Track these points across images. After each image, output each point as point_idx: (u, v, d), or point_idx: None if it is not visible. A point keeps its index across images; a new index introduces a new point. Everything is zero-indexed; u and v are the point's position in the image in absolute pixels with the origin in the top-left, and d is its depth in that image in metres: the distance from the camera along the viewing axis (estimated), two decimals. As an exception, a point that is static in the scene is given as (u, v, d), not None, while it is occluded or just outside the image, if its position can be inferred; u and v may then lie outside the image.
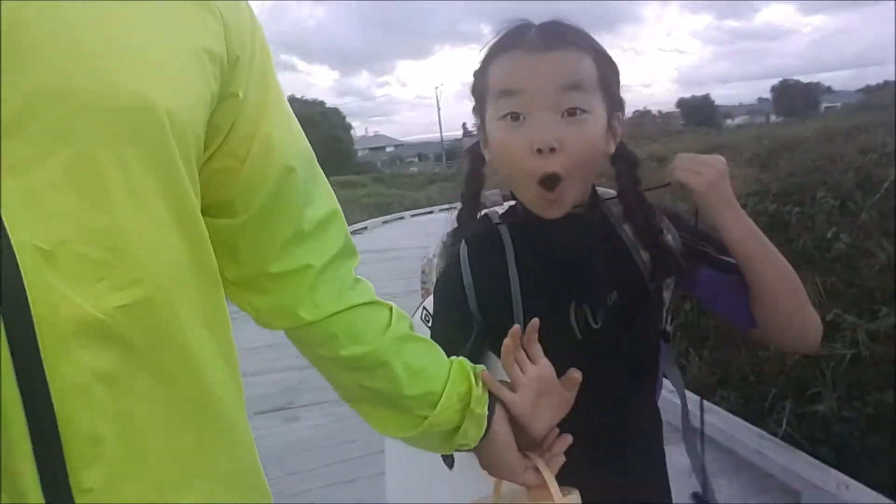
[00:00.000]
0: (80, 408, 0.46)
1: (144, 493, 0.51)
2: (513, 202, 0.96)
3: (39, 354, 0.44)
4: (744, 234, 0.83)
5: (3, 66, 0.43)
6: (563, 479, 0.80)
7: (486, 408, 0.77)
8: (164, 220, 0.51)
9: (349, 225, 0.73)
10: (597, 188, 0.94)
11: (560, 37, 0.84)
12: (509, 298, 0.89)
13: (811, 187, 4.10)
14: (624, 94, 0.90)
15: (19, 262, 0.43)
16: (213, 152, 0.59)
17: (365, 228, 13.73)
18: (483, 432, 0.77)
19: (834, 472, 2.37)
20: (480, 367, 0.80)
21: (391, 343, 0.71)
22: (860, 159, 4.39)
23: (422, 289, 1.08)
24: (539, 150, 0.80)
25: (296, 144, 0.67)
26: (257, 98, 0.62)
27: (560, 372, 0.83)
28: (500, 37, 0.88)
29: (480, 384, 0.78)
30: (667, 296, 0.92)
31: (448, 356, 0.81)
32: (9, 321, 0.42)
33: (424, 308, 1.05)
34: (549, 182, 0.82)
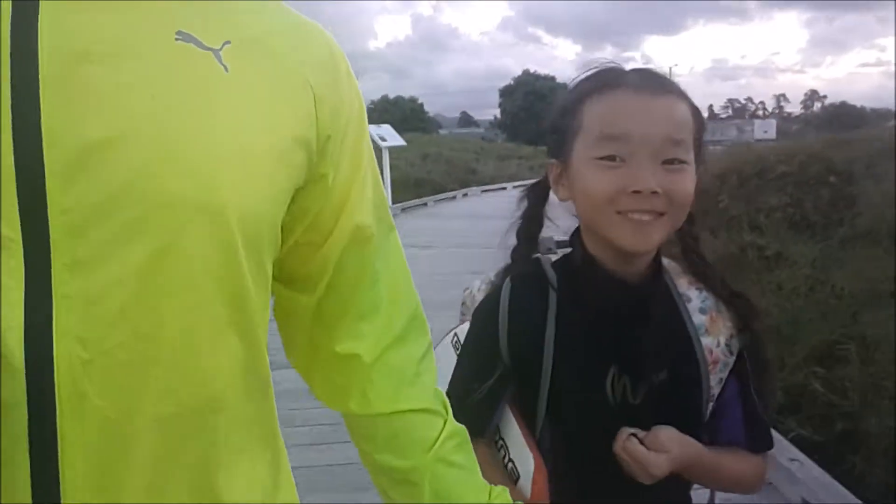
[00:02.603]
0: None
1: None
2: (568, 249, 0.93)
3: (58, 473, 0.44)
4: (694, 474, 0.87)
5: (94, 152, 0.44)
6: None
7: None
8: (220, 322, 0.50)
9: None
10: (664, 259, 0.89)
11: (662, 83, 0.83)
12: (541, 351, 0.85)
13: None
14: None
15: (57, 376, 0.43)
16: (301, 230, 0.60)
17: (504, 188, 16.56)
18: None
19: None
20: None
21: (430, 464, 0.67)
22: None
23: (460, 320, 1.05)
24: (636, 192, 0.78)
25: (377, 219, 0.65)
26: (348, 176, 0.61)
27: (587, 434, 0.85)
28: (592, 74, 0.86)
29: None
30: (715, 388, 0.89)
31: (468, 389, 0.83)
32: (34, 435, 0.43)
33: (456, 334, 1.03)
34: (634, 218, 0.79)
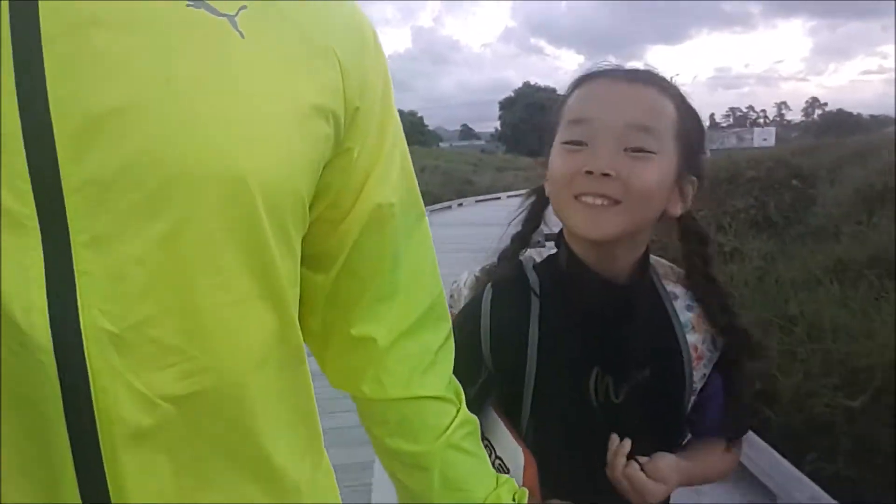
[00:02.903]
0: (137, 495, 0.47)
1: None
2: (554, 251, 0.91)
3: (100, 450, 0.44)
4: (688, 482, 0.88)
5: (104, 127, 0.42)
6: None
7: None
8: (249, 294, 0.50)
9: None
10: (651, 257, 0.88)
11: (644, 76, 0.81)
12: (524, 354, 0.85)
13: None
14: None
15: (86, 349, 0.42)
16: (324, 206, 0.59)
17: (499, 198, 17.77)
18: None
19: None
20: (524, 491, 0.74)
21: (440, 450, 0.67)
22: None
23: (450, 313, 0.98)
24: (589, 172, 0.76)
25: (402, 201, 0.63)
26: (372, 152, 0.59)
27: (571, 434, 0.86)
28: (582, 72, 0.85)
29: None
30: (698, 383, 0.88)
31: None
32: (71, 414, 0.43)
33: None
34: (587, 202, 0.77)
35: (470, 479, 0.70)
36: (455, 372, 0.77)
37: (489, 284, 0.89)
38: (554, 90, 57.87)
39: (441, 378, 0.69)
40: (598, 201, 0.77)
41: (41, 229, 0.42)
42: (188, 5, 0.46)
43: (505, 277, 0.90)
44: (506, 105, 57.26)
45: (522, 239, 0.94)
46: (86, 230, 0.42)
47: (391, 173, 0.62)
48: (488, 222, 10.68)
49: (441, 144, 65.84)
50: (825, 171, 6.89)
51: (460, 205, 15.51)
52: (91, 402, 0.43)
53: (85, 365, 0.43)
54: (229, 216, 0.47)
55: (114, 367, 0.44)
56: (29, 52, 0.41)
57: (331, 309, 0.64)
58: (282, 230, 0.52)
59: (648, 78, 0.81)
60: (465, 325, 0.88)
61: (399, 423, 0.67)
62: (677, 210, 0.83)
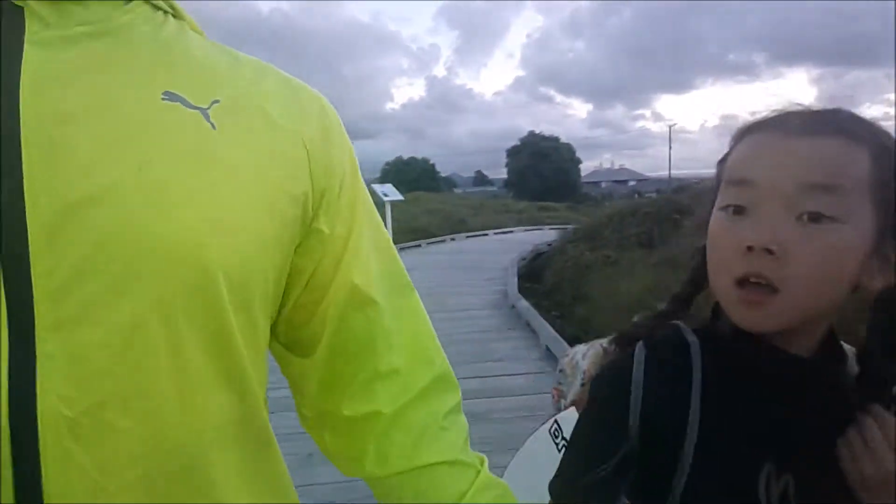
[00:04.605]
0: None
1: None
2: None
3: None
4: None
5: (69, 211, 0.43)
6: None
7: None
8: (209, 378, 0.50)
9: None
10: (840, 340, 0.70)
11: (828, 122, 0.63)
12: (682, 432, 0.66)
13: None
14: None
15: (40, 433, 0.42)
16: (299, 291, 0.59)
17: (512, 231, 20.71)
18: None
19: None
20: None
21: None
22: None
23: (555, 389, 0.94)
24: (750, 248, 0.61)
25: (383, 279, 0.63)
26: (342, 232, 0.60)
27: None
28: (753, 120, 0.69)
29: None
30: None
31: (583, 470, 0.69)
32: (21, 497, 0.43)
33: (556, 422, 0.92)
34: (754, 282, 0.61)
35: None
36: (590, 442, 0.70)
37: (640, 344, 0.72)
38: (557, 138, 61.00)
39: (453, 443, 0.64)
40: (761, 284, 0.61)
41: (8, 313, 0.42)
42: (163, 99, 0.49)
43: (662, 339, 0.72)
44: (512, 153, 59.79)
45: (682, 302, 0.77)
46: (51, 314, 0.43)
47: (363, 252, 0.62)
48: (472, 250, 15.12)
49: (455, 190, 68.80)
50: (698, 205, 9.69)
51: (453, 239, 18.09)
52: (40, 488, 0.43)
53: (38, 452, 0.43)
54: (193, 302, 0.47)
55: (67, 451, 0.43)
56: (10, 150, 0.43)
57: (325, 392, 0.63)
58: (247, 314, 0.52)
59: (834, 126, 0.62)
60: (607, 386, 0.73)
61: (414, 498, 0.62)
62: (877, 283, 0.63)
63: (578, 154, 59.21)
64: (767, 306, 0.62)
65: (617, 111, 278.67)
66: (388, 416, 0.62)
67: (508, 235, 19.78)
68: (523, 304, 7.53)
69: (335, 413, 0.64)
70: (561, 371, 0.94)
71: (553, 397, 0.95)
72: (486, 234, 19.76)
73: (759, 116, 0.69)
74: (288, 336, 0.63)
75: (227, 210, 0.49)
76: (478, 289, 8.92)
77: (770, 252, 0.60)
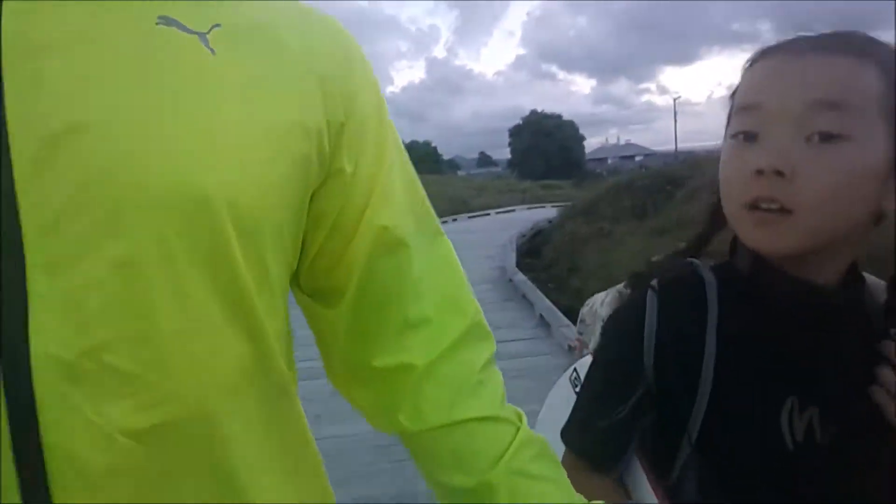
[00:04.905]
0: None
1: None
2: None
3: (49, 495, 0.41)
4: None
5: (59, 146, 0.41)
6: None
7: None
8: (217, 321, 0.47)
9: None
10: (864, 274, 0.69)
11: (835, 42, 0.62)
12: (698, 370, 0.66)
13: None
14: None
15: (34, 378, 0.40)
16: (323, 236, 0.56)
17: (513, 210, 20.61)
18: None
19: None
20: None
21: (503, 478, 0.58)
22: None
23: (577, 339, 0.93)
24: (760, 172, 0.60)
25: (412, 222, 0.60)
26: (370, 172, 0.56)
27: (753, 483, 0.66)
28: (764, 46, 0.67)
29: None
30: None
31: (597, 412, 0.70)
32: (18, 444, 0.40)
33: (576, 370, 0.87)
34: (765, 208, 0.61)
35: None
36: (604, 385, 0.71)
37: (654, 282, 0.71)
38: (559, 116, 60.64)
39: (491, 398, 0.61)
40: (773, 208, 0.60)
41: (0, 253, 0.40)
42: (158, 23, 0.46)
43: (673, 278, 0.72)
44: (515, 132, 59.84)
45: (700, 240, 0.76)
46: (41, 253, 0.41)
47: (394, 193, 0.58)
48: (475, 229, 15.66)
49: (459, 172, 68.71)
50: (691, 180, 9.90)
51: (455, 220, 18.46)
52: (39, 437, 0.40)
53: (32, 397, 0.40)
54: (193, 238, 0.44)
55: (65, 397, 0.41)
56: None
57: (353, 344, 0.60)
58: (258, 261, 0.49)
59: (843, 44, 0.61)
60: (621, 328, 0.74)
61: (450, 455, 0.59)
62: (893, 204, 0.61)
63: (583, 131, 59.06)
64: (781, 227, 0.61)
65: (621, 86, 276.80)
66: (421, 369, 0.59)
67: (510, 214, 19.95)
68: (520, 277, 7.85)
69: (365, 365, 0.60)
70: (581, 321, 0.91)
71: (576, 349, 0.92)
72: (489, 214, 19.98)
73: (766, 45, 0.67)
74: (313, 285, 0.60)
75: (228, 141, 0.46)
76: (478, 265, 8.96)
77: (780, 174, 0.60)
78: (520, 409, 0.63)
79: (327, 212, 0.55)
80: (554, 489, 0.60)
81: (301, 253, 0.56)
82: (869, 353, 0.65)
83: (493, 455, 0.59)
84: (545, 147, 54.46)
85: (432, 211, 0.64)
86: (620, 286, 0.82)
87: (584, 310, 0.90)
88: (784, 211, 0.60)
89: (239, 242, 0.47)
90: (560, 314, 5.65)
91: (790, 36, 0.66)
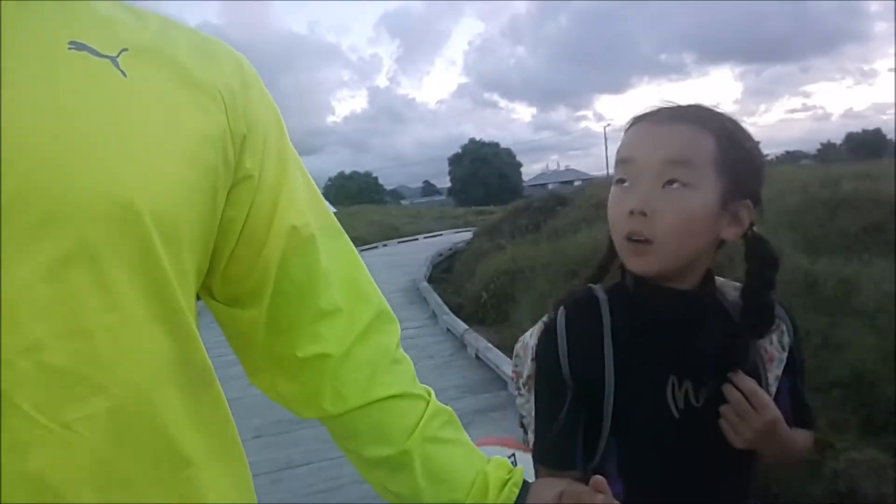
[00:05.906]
0: None
1: None
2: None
3: None
4: (774, 443, 0.84)
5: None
6: None
7: None
8: (142, 316, 0.50)
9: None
10: (715, 276, 0.92)
11: (685, 114, 0.85)
12: (602, 368, 0.87)
13: None
14: (854, 118, 1.14)
15: None
16: (234, 243, 0.59)
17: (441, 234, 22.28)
18: None
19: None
20: (519, 470, 0.74)
21: (417, 445, 0.67)
22: None
23: (513, 372, 1.05)
24: (631, 212, 0.82)
25: (316, 221, 0.65)
26: (273, 177, 0.61)
27: (654, 444, 0.87)
28: (639, 113, 0.90)
29: (513, 489, 0.70)
30: (773, 385, 0.90)
31: (547, 424, 0.86)
32: None
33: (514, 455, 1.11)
34: (635, 239, 0.83)
35: (453, 466, 0.69)
36: (544, 399, 0.89)
37: (561, 307, 0.93)
38: (497, 144, 61.60)
39: (402, 376, 0.69)
40: (641, 240, 0.82)
41: None
42: (69, 48, 0.48)
43: (577, 300, 0.94)
44: (454, 160, 60.40)
45: (601, 269, 0.98)
46: None
47: (298, 195, 0.64)
48: (404, 252, 17.50)
49: (402, 202, 68.71)
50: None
51: (385, 245, 19.40)
52: None
53: None
54: (120, 240, 0.47)
55: (3, 394, 0.43)
56: None
57: (273, 338, 0.65)
58: (179, 262, 0.52)
59: (689, 115, 0.85)
60: (543, 349, 0.93)
61: (371, 430, 0.67)
62: (730, 234, 0.85)
63: (525, 157, 59.87)
64: (647, 254, 0.82)
65: (560, 113, 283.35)
66: (338, 356, 0.65)
67: (437, 238, 21.02)
68: (424, 285, 9.71)
69: (288, 355, 0.65)
70: (516, 356, 1.03)
71: (513, 380, 1.04)
72: (417, 239, 21.15)
73: (638, 111, 0.88)
74: (228, 292, 0.63)
75: (145, 156, 0.49)
76: (395, 280, 10.45)
77: (643, 214, 0.81)
78: (429, 388, 0.72)
79: (236, 218, 0.59)
80: (461, 449, 0.70)
81: (211, 264, 0.60)
82: (726, 333, 0.88)
83: (408, 426, 0.67)
84: (484, 174, 55.41)
85: (331, 213, 0.71)
86: (545, 318, 0.96)
87: (518, 346, 1.02)
88: (648, 242, 0.82)
89: (162, 245, 0.50)
90: (445, 307, 7.51)
91: (658, 106, 0.88)
